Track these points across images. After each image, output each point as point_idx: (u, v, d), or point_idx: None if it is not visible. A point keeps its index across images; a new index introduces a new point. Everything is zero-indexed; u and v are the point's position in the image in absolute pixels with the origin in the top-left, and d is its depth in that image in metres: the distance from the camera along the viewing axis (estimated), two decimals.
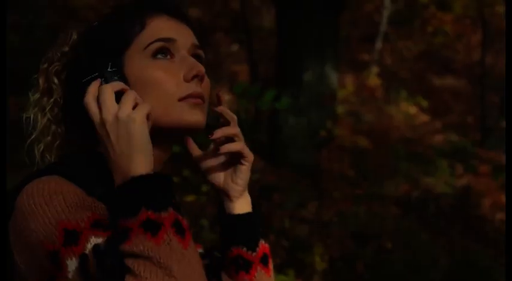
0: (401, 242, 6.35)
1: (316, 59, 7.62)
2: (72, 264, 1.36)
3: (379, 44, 10.81)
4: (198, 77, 1.52)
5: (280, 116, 7.46)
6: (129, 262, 1.32)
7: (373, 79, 10.55)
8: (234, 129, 1.58)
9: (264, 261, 1.62)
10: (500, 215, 6.86)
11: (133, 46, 1.51)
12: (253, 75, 8.34)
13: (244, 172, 1.61)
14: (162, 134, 1.51)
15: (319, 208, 6.59)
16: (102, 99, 1.44)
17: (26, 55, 8.47)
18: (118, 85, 1.48)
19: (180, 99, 1.49)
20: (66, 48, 1.57)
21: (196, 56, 1.56)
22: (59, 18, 9.80)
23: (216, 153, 1.61)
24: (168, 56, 1.52)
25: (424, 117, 10.00)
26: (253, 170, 1.65)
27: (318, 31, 7.57)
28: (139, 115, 1.42)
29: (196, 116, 1.50)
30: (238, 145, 1.58)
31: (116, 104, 1.44)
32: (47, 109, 1.57)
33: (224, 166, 1.62)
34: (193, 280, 1.34)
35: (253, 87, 5.95)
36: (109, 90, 1.45)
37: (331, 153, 7.65)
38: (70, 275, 1.37)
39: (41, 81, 1.57)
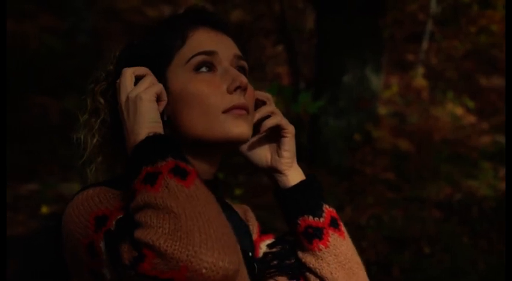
0: (440, 246, 6.25)
1: (356, 60, 7.57)
2: (103, 245, 1.37)
3: (425, 44, 10.68)
4: (240, 88, 1.51)
5: (321, 119, 7.42)
6: (135, 217, 1.32)
7: (419, 79, 10.43)
8: (269, 107, 1.61)
9: (334, 224, 1.61)
10: None
11: (175, 61, 1.52)
12: (294, 77, 8.31)
13: (287, 143, 1.62)
14: (209, 148, 1.52)
15: (355, 211, 6.52)
16: (122, 82, 1.48)
17: (68, 59, 8.58)
18: (140, 69, 1.50)
19: (224, 112, 1.49)
20: (111, 67, 1.58)
21: (239, 67, 1.56)
22: (102, 22, 9.89)
23: (257, 135, 1.62)
24: (210, 69, 1.52)
25: (470, 118, 9.84)
26: None
27: (358, 33, 7.52)
28: (147, 94, 1.44)
29: (240, 128, 1.50)
30: (276, 119, 1.60)
31: (132, 85, 1.47)
32: (95, 129, 1.58)
33: (268, 145, 1.64)
34: (196, 211, 1.30)
35: (287, 88, 5.92)
36: (129, 72, 1.48)
37: (371, 155, 7.58)
38: (104, 257, 1.36)
39: (88, 101, 1.59)
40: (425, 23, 10.70)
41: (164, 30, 1.56)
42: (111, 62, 1.59)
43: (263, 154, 1.64)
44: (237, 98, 1.50)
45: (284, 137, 1.62)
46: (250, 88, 1.55)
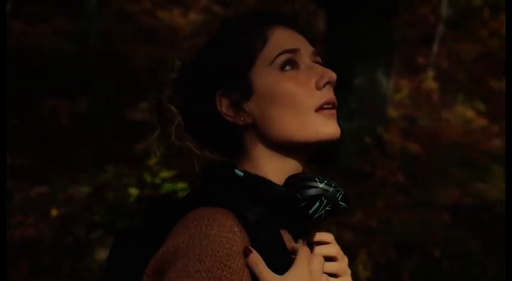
0: (450, 251, 6.24)
1: (367, 63, 7.55)
2: None
3: (435, 47, 10.66)
4: (330, 83, 1.50)
5: None
6: None
7: (429, 82, 10.42)
8: (332, 248, 1.55)
9: None
10: None
11: (258, 62, 1.50)
12: None
13: None
14: (298, 148, 1.50)
15: (364, 215, 6.51)
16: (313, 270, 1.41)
17: (79, 62, 8.61)
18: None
19: (317, 110, 1.48)
20: (175, 75, 1.56)
21: (318, 63, 1.55)
22: (113, 25, 9.91)
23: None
24: (295, 67, 1.51)
25: (481, 122, 9.82)
26: None
27: (369, 35, 7.50)
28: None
29: (332, 128, 1.48)
30: (336, 265, 1.53)
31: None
32: (171, 133, 1.53)
33: None
34: None
35: None
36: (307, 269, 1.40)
37: (382, 158, 7.56)
38: None
39: (155, 116, 1.55)
40: (436, 25, 10.68)
41: (240, 33, 1.53)
42: (174, 71, 1.56)
43: None
44: (326, 94, 1.49)
45: None
46: None
